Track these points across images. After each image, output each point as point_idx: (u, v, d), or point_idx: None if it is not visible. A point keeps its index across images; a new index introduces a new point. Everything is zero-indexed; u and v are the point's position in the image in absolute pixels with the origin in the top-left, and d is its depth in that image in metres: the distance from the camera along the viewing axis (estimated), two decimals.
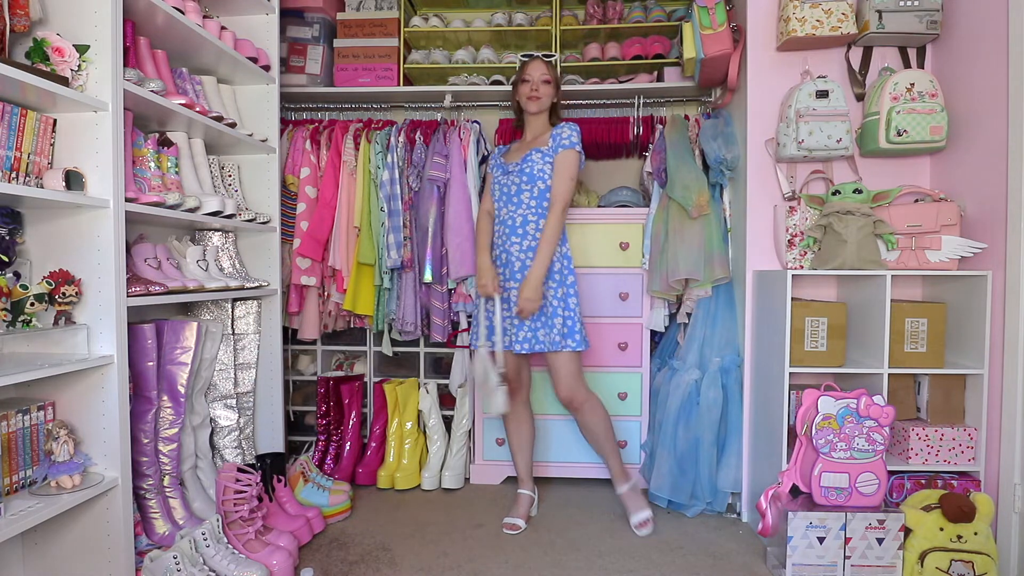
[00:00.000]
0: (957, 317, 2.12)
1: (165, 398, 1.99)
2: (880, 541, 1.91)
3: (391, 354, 3.00)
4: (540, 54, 2.50)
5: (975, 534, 1.87)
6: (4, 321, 1.57)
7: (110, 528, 1.69)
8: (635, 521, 2.32)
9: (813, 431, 1.94)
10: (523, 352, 2.28)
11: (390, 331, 2.91)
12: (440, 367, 3.12)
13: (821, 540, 1.92)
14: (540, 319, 2.27)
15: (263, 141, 2.45)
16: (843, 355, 2.13)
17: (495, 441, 2.79)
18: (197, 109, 2.05)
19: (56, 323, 1.63)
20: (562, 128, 2.31)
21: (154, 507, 1.91)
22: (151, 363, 1.93)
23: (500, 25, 2.99)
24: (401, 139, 2.80)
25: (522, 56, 2.54)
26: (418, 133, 2.85)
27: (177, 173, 2.04)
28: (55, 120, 1.65)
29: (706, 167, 2.56)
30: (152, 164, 1.92)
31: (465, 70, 2.99)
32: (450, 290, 2.79)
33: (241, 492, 1.96)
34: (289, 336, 2.98)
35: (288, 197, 2.79)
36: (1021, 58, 1.86)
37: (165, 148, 2.02)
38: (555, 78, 2.40)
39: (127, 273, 1.76)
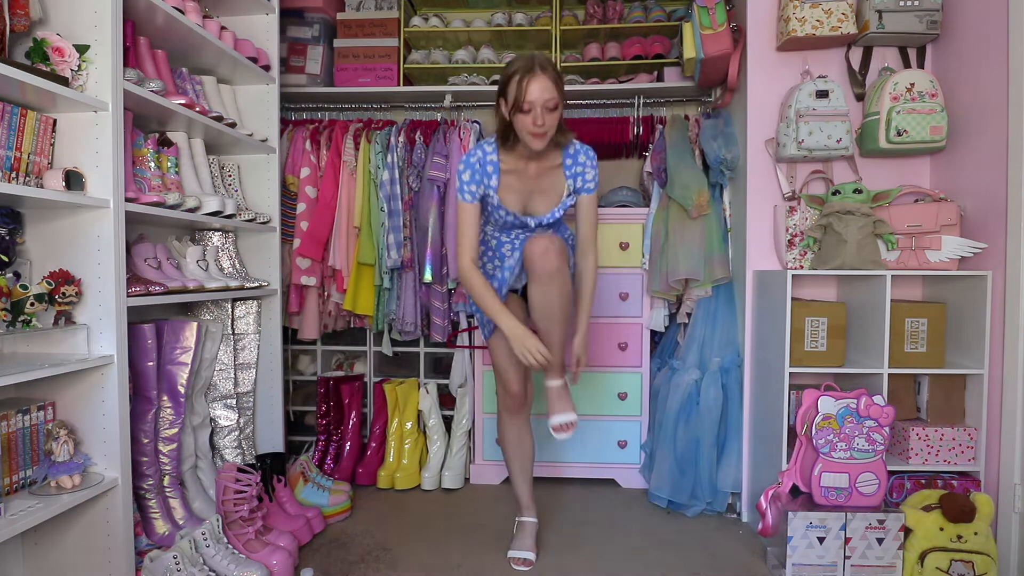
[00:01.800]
0: (957, 317, 2.12)
1: (165, 398, 1.99)
2: (880, 541, 1.91)
3: (391, 354, 3.00)
4: (538, 60, 1.78)
5: (975, 534, 1.87)
6: (4, 321, 1.57)
7: (110, 528, 1.68)
8: (553, 423, 1.93)
9: (813, 431, 1.94)
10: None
11: (390, 331, 2.91)
12: (440, 367, 3.12)
13: (821, 540, 1.92)
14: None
15: (263, 141, 2.45)
16: (843, 355, 2.13)
17: (495, 441, 2.79)
18: (197, 109, 2.05)
19: (56, 323, 1.63)
20: None
21: (154, 507, 1.91)
22: (151, 363, 1.93)
23: (500, 25, 2.99)
24: (401, 139, 2.80)
25: (517, 70, 1.77)
26: (418, 133, 2.85)
27: (177, 173, 2.04)
28: (55, 120, 1.65)
29: (706, 167, 2.56)
30: (152, 164, 1.92)
31: (465, 70, 2.99)
32: (450, 290, 2.79)
33: (241, 492, 1.96)
34: (289, 336, 2.98)
35: (288, 197, 2.79)
36: (1021, 58, 1.86)
37: (165, 148, 2.01)
38: (562, 96, 1.80)
39: (127, 273, 1.76)
